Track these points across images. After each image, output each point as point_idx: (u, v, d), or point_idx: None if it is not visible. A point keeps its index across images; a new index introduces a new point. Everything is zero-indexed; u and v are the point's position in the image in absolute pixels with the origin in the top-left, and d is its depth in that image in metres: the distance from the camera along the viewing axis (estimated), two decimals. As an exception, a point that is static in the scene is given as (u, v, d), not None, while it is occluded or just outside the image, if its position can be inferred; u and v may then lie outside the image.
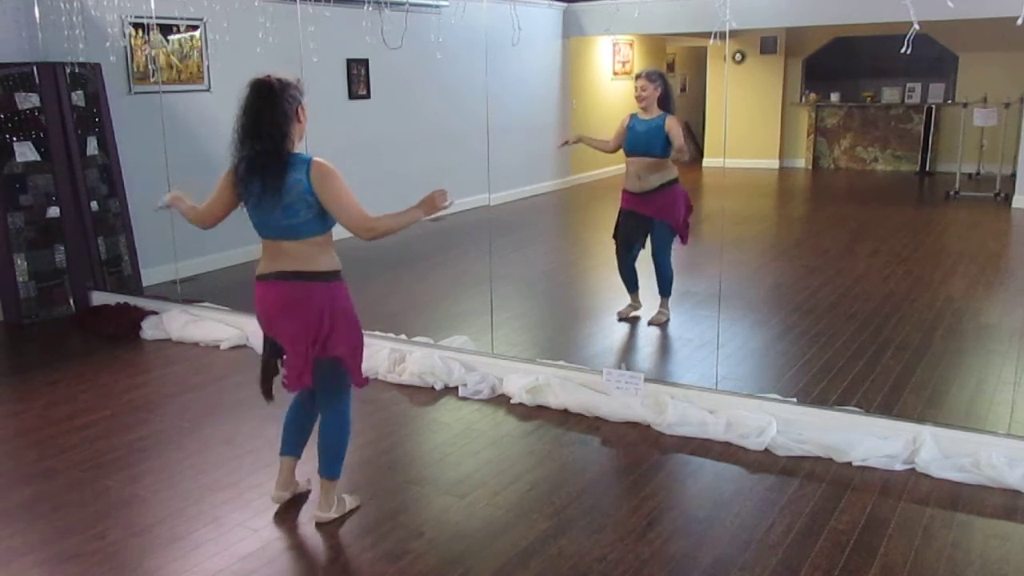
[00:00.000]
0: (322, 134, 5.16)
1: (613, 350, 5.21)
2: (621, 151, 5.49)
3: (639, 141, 5.32)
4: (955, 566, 2.95)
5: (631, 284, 5.69)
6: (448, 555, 3.05)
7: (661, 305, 5.63)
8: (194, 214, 3.30)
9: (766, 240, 8.56)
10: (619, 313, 5.73)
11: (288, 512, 3.36)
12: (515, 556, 3.03)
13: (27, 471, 3.74)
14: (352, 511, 3.36)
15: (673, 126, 5.26)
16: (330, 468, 3.24)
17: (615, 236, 5.60)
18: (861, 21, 10.06)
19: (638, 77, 5.39)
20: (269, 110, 2.98)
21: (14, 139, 5.84)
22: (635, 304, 5.70)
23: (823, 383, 4.56)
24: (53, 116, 5.98)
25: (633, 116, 5.39)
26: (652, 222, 5.44)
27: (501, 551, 3.07)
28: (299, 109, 3.05)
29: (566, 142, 5.87)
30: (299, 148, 3.09)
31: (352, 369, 3.20)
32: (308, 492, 3.49)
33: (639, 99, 5.33)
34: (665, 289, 5.61)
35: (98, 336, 5.65)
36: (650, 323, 5.57)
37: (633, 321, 5.65)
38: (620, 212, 5.54)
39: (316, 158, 3.03)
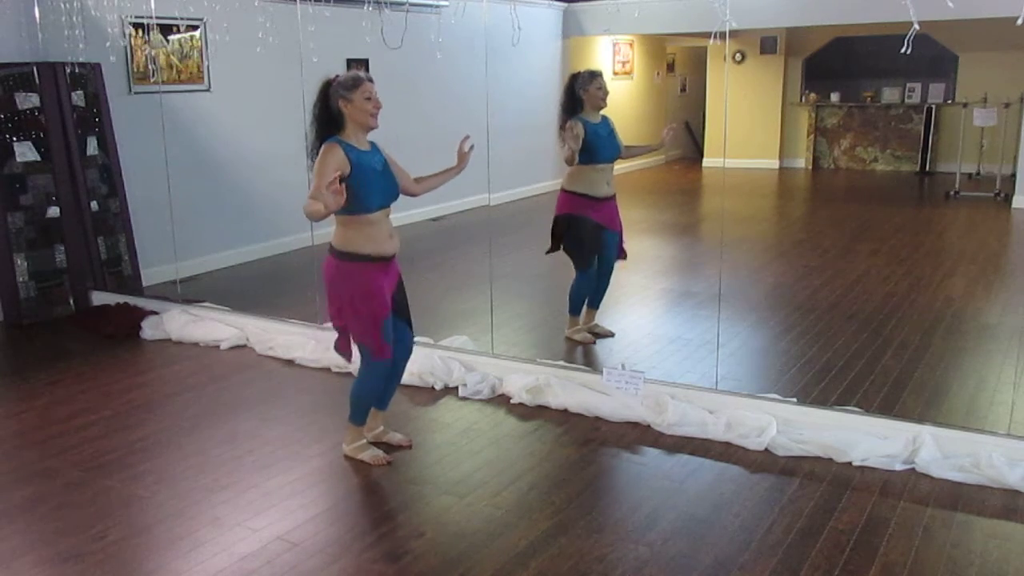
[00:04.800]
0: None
1: (613, 350, 5.21)
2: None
3: (611, 145, 5.01)
4: (955, 566, 2.95)
5: (590, 301, 5.33)
6: (448, 555, 3.05)
7: (595, 319, 5.38)
8: None
9: (766, 240, 8.56)
10: (581, 339, 5.28)
11: (288, 511, 3.36)
12: (515, 556, 3.03)
13: (27, 471, 3.74)
14: (400, 447, 3.89)
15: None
16: (350, 412, 3.79)
17: (588, 256, 5.08)
18: (861, 21, 10.06)
19: (600, 75, 4.97)
20: (316, 105, 3.54)
21: (14, 139, 5.84)
22: (590, 323, 5.39)
23: (823, 383, 4.56)
24: (53, 116, 5.98)
25: (584, 120, 4.94)
26: (606, 233, 5.10)
27: (501, 551, 3.07)
28: (340, 100, 3.47)
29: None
30: (354, 134, 3.52)
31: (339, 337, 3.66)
32: (392, 444, 3.92)
33: (605, 101, 4.97)
34: (600, 301, 5.36)
35: (98, 336, 5.65)
36: (598, 336, 5.33)
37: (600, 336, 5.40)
38: (587, 223, 5.01)
39: (327, 143, 3.46)
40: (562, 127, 4.98)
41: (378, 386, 3.74)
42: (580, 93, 4.96)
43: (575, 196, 5.04)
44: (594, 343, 5.26)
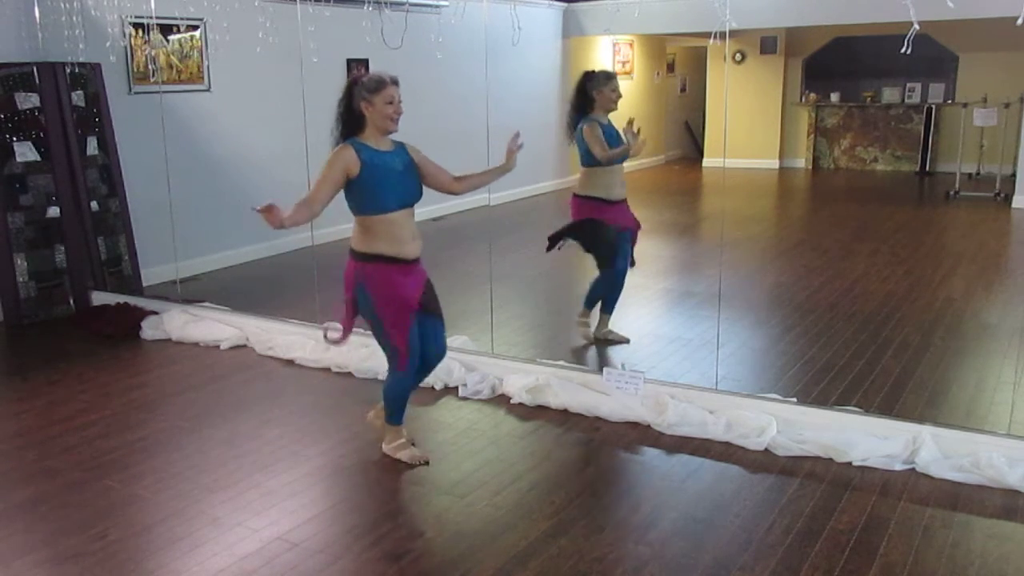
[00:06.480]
0: (323, 133, 5.15)
1: (613, 350, 5.21)
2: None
3: (620, 146, 4.98)
4: (955, 566, 2.95)
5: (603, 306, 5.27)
6: (448, 555, 3.05)
7: (609, 323, 5.27)
8: None
9: (766, 240, 8.56)
10: (583, 334, 5.28)
11: (288, 511, 3.36)
12: (515, 556, 3.03)
13: (27, 471, 3.74)
14: (415, 454, 3.78)
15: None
16: (386, 413, 3.78)
17: (613, 256, 5.04)
18: (861, 21, 10.06)
19: (615, 77, 4.96)
20: (341, 104, 3.52)
21: (14, 139, 5.84)
22: (603, 329, 5.33)
23: (823, 383, 4.56)
24: (53, 116, 5.98)
25: (596, 121, 4.90)
26: (625, 234, 5.06)
27: (501, 551, 3.07)
28: (362, 102, 3.45)
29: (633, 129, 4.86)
30: (373, 136, 3.50)
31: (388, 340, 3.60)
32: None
33: (617, 104, 4.95)
34: (613, 307, 5.26)
35: (98, 336, 5.65)
36: (611, 343, 5.26)
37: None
38: (604, 226, 4.97)
39: (341, 144, 3.48)
40: (572, 126, 4.96)
41: (408, 384, 3.73)
42: (593, 93, 4.91)
43: (590, 200, 4.97)
44: (594, 343, 5.26)
